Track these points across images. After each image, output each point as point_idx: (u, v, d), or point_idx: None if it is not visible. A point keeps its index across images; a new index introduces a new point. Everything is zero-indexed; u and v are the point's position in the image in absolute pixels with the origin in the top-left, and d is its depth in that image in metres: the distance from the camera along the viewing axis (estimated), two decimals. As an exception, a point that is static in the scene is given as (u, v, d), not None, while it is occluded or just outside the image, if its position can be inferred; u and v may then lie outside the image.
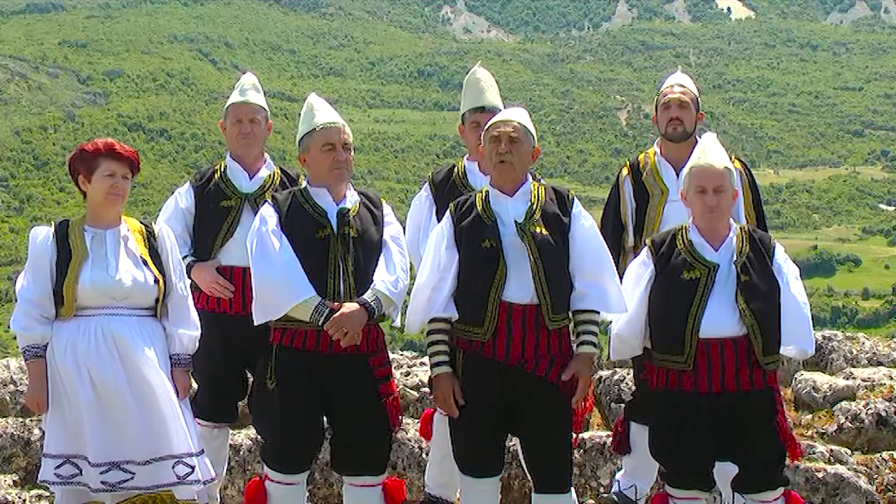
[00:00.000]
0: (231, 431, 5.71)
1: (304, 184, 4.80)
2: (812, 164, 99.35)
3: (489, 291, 4.43)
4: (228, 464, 5.69)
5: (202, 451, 4.60)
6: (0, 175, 79.19)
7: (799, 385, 6.71)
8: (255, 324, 4.57)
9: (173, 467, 4.44)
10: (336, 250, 4.52)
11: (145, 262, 4.56)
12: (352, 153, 4.67)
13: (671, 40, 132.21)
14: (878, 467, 5.95)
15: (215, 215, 5.27)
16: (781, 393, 4.74)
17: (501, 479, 4.80)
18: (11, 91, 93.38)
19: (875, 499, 5.67)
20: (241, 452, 5.95)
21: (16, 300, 4.57)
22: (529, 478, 4.68)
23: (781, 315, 4.54)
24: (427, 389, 6.26)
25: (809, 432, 6.27)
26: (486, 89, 5.34)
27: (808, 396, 6.58)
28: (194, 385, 5.24)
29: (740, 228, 4.68)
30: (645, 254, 4.70)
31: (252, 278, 4.55)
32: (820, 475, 5.67)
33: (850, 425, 6.23)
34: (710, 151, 4.62)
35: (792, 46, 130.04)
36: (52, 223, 4.62)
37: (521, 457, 4.87)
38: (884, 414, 6.23)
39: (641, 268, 4.69)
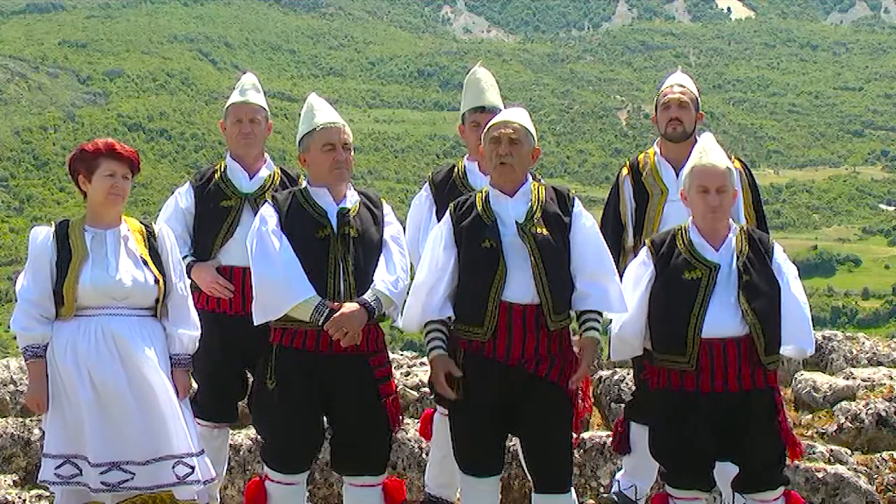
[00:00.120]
0: (231, 431, 5.71)
1: (304, 184, 4.79)
2: (812, 164, 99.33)
3: (489, 291, 4.43)
4: (228, 464, 5.69)
5: (202, 451, 4.60)
6: (0, 175, 79.18)
7: (799, 385, 6.71)
8: (255, 324, 4.57)
9: (173, 467, 4.44)
10: (336, 250, 4.52)
11: (145, 262, 4.56)
12: (352, 153, 4.67)
13: (671, 40, 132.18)
14: (878, 467, 5.95)
15: (215, 215, 5.26)
16: (781, 393, 4.74)
17: (501, 479, 4.80)
18: (11, 91, 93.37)
19: (875, 499, 5.67)
20: (241, 452, 5.95)
21: (16, 300, 4.57)
22: (529, 478, 4.68)
23: (782, 314, 4.54)
24: (427, 389, 6.27)
25: (809, 432, 6.28)
26: (486, 89, 5.34)
27: (808, 396, 6.58)
28: (194, 385, 5.24)
29: (739, 228, 4.69)
30: (645, 254, 4.70)
31: (252, 278, 4.55)
32: (820, 475, 5.67)
33: (850, 425, 6.23)
34: (710, 151, 4.62)
35: (792, 46, 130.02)
36: (53, 223, 4.61)
37: (521, 457, 4.87)
38: (884, 414, 6.23)
39: (641, 268, 4.68)
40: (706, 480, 4.60)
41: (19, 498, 5.51)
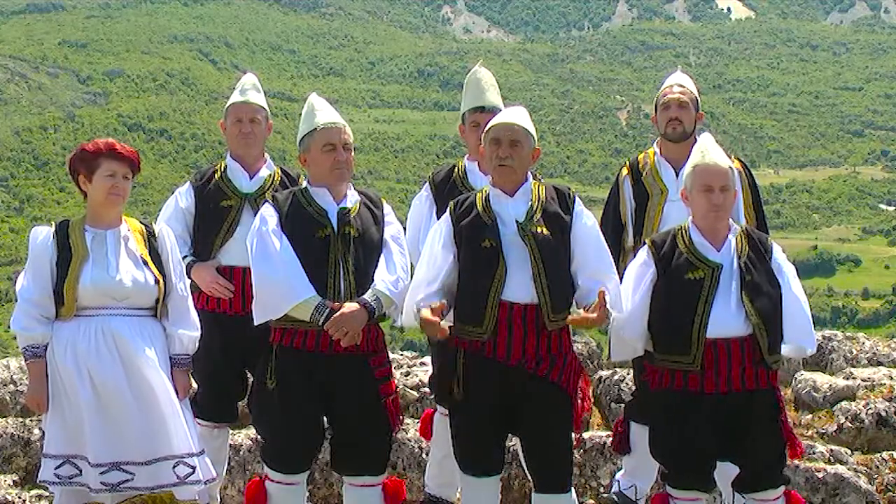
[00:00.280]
0: (231, 431, 5.71)
1: (304, 184, 4.79)
2: (812, 164, 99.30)
3: (489, 291, 4.43)
4: (228, 464, 5.69)
5: (202, 451, 4.60)
6: (0, 175, 79.17)
7: (799, 385, 6.71)
8: (256, 324, 4.57)
9: (174, 468, 4.44)
10: (336, 250, 4.52)
11: (145, 263, 4.57)
12: (352, 153, 4.67)
13: (671, 40, 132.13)
14: (878, 467, 5.95)
15: (215, 215, 5.27)
16: (782, 392, 4.74)
17: (501, 479, 4.80)
18: (11, 91, 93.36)
19: (875, 499, 5.68)
20: (241, 452, 5.95)
21: (16, 300, 4.57)
22: (529, 478, 4.68)
23: (783, 314, 4.54)
24: (427, 389, 6.27)
25: (809, 432, 6.28)
26: (486, 89, 5.34)
27: (808, 396, 6.58)
28: (194, 385, 5.24)
29: (739, 228, 4.68)
30: (646, 254, 4.68)
31: (252, 278, 4.55)
32: (820, 475, 5.67)
33: (850, 425, 6.23)
34: (711, 151, 4.62)
35: (792, 46, 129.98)
36: (53, 223, 4.61)
37: (521, 457, 4.86)
38: (884, 414, 6.23)
39: (643, 268, 4.66)
40: (707, 481, 4.60)
41: (19, 498, 5.51)
